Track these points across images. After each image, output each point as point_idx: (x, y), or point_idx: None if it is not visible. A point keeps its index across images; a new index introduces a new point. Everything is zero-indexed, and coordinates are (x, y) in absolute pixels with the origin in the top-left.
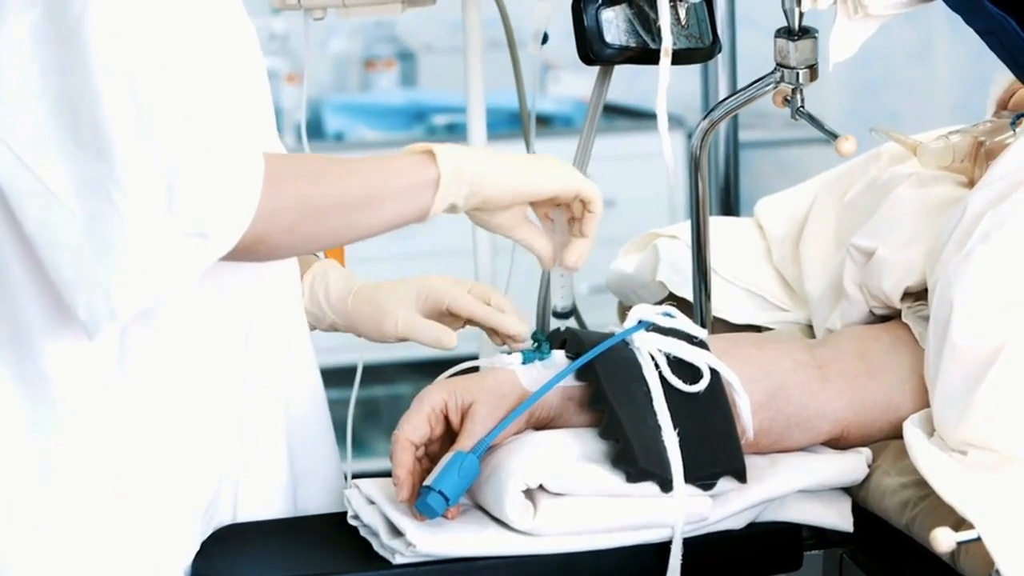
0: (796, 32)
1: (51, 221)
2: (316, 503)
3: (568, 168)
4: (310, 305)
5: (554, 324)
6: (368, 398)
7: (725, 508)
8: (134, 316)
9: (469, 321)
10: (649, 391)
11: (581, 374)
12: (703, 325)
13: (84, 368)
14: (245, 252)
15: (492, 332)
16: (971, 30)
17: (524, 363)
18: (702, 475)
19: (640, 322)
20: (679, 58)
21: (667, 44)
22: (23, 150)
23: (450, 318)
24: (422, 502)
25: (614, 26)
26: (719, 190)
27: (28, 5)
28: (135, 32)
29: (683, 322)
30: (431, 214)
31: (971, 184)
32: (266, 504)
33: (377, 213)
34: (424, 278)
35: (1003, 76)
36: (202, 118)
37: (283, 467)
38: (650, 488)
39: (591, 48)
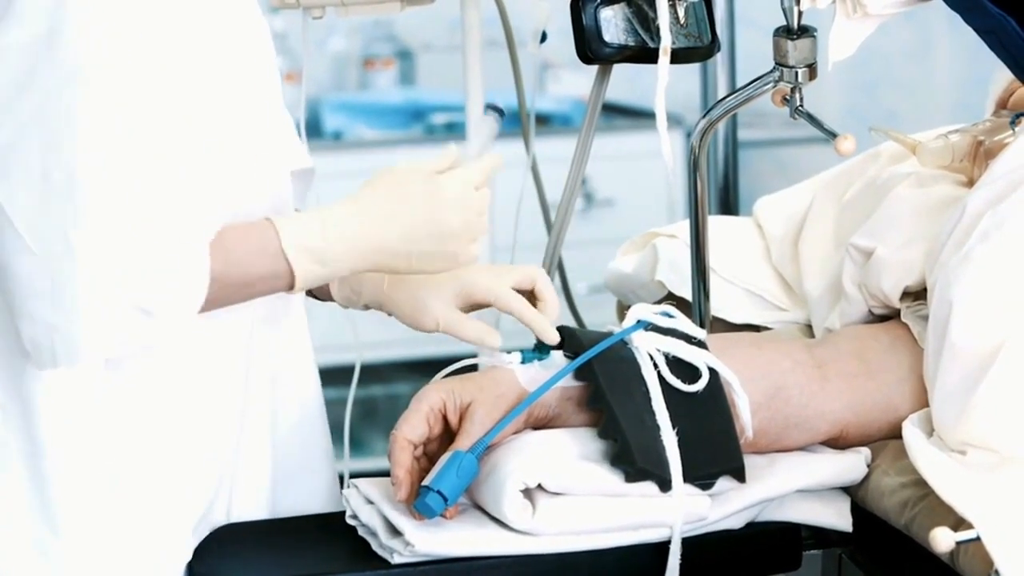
0: (795, 31)
1: (5, 245)
2: (304, 505)
3: (452, 246)
4: (340, 288)
5: None
6: (366, 397)
7: (724, 508)
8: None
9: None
10: (648, 390)
11: (580, 374)
12: (702, 325)
13: (78, 379)
14: None
15: None
16: (970, 29)
17: (523, 363)
18: (701, 475)
19: (639, 321)
20: (678, 57)
21: (666, 43)
22: None
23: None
24: (420, 502)
25: (613, 25)
26: (718, 189)
27: (30, 20)
28: (132, 92)
29: (682, 322)
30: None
31: (970, 184)
32: (246, 506)
33: (246, 292)
34: (465, 271)
35: (1002, 75)
36: (172, 198)
37: (265, 471)
38: (649, 488)
39: (590, 47)
